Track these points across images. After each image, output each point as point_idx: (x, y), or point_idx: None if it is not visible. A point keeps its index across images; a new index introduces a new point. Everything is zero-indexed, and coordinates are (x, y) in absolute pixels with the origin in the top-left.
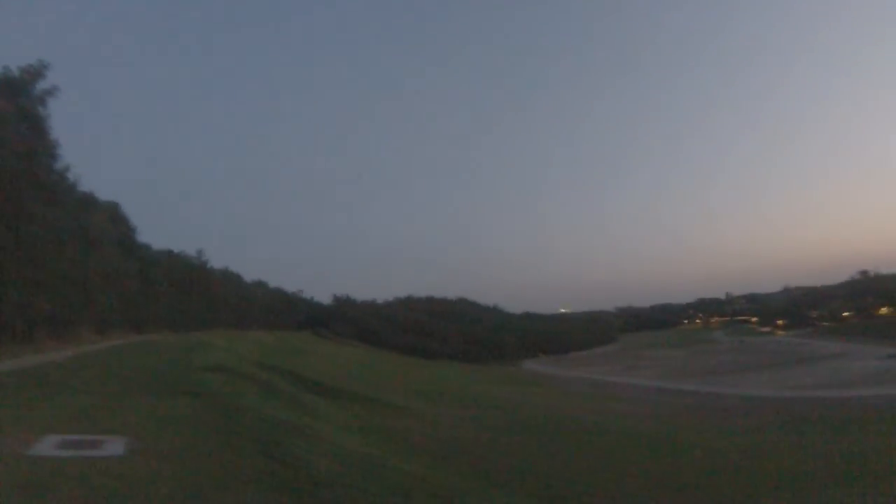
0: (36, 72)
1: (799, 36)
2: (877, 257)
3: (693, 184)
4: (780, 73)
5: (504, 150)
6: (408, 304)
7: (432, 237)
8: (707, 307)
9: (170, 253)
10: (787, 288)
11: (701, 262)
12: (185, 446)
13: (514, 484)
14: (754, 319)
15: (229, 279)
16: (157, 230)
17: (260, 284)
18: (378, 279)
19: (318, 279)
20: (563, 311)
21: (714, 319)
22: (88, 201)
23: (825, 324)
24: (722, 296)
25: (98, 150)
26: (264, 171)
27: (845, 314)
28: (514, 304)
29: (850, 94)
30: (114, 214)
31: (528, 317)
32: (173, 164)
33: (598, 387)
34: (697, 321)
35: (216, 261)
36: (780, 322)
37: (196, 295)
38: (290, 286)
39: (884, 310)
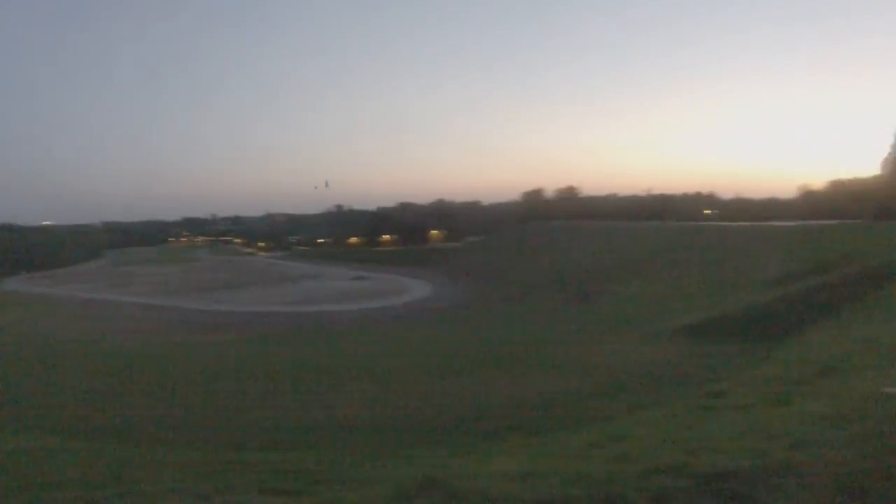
0: None
1: None
2: (350, 196)
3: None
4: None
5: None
6: None
7: None
8: (193, 226)
9: None
10: (269, 214)
11: (189, 183)
12: None
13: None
14: (238, 240)
15: None
16: None
17: None
18: None
19: None
20: (46, 223)
21: (199, 238)
22: None
23: (303, 248)
24: (208, 216)
25: None
26: None
27: (320, 241)
28: None
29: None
30: None
31: (9, 229)
32: None
33: (89, 306)
34: (183, 239)
35: None
36: (262, 244)
37: None
38: None
39: (353, 239)
